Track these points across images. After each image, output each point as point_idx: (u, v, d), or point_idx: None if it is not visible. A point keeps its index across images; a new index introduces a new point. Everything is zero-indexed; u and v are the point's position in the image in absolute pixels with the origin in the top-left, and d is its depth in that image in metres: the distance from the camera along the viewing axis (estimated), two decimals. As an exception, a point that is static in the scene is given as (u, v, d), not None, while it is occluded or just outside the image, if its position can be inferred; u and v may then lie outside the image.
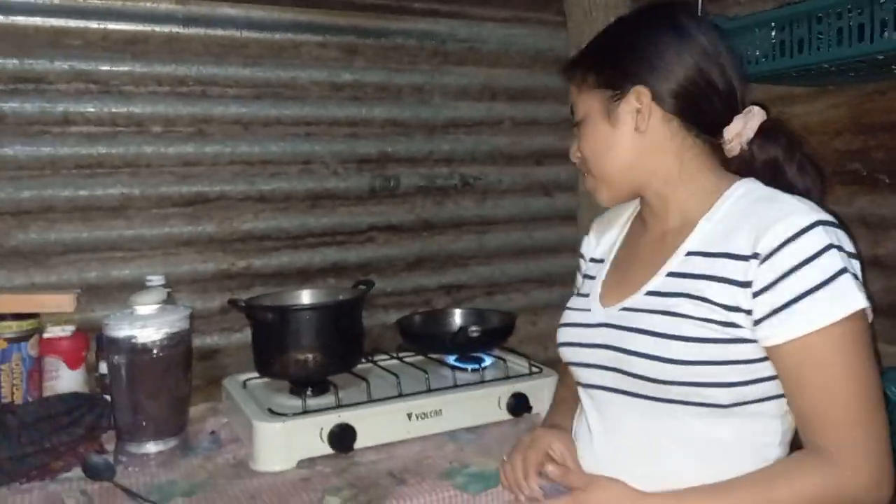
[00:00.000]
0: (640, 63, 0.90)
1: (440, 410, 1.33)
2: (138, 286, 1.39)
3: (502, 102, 1.85)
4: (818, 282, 0.77)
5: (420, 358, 1.54)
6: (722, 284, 0.82)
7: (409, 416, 1.30)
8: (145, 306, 1.23)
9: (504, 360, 1.50)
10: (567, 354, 1.01)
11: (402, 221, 1.76)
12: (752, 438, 0.84)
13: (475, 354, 1.53)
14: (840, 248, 0.79)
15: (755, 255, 0.80)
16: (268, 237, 1.63)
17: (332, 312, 1.36)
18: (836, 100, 1.44)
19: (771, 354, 0.81)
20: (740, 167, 0.93)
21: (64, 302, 1.35)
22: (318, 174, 1.67)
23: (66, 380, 1.38)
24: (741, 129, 0.90)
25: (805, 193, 0.87)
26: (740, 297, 0.81)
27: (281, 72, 1.61)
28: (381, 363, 1.50)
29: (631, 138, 0.91)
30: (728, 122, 0.90)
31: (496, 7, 1.82)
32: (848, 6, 1.04)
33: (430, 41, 1.76)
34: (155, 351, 1.20)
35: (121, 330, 1.19)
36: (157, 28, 1.50)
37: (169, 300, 1.43)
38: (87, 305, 1.47)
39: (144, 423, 1.22)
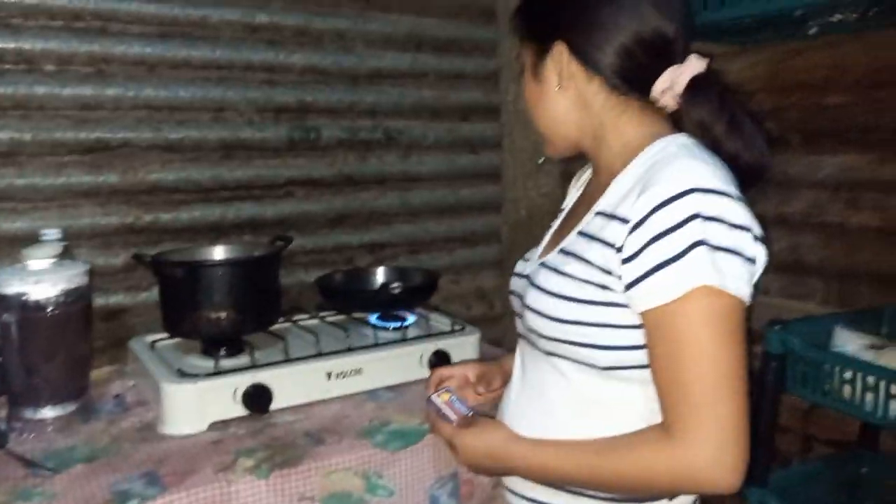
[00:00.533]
0: (564, 18, 0.86)
1: (360, 369, 1.30)
2: (32, 240, 1.27)
3: (428, 53, 1.80)
4: (671, 255, 0.73)
5: (341, 317, 1.50)
6: (602, 246, 0.80)
7: (329, 375, 1.26)
8: (39, 261, 1.13)
9: (426, 319, 1.47)
10: (510, 301, 1.02)
11: (323, 175, 1.70)
12: (634, 403, 0.83)
13: (397, 313, 1.50)
14: (711, 219, 0.73)
15: (627, 220, 0.77)
16: (177, 189, 1.53)
17: (246, 269, 1.29)
18: (753, 59, 1.46)
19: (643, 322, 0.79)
20: (679, 124, 0.88)
21: (-57, 256, 1.22)
22: (231, 123, 1.57)
23: (-51, 341, 1.26)
24: (670, 84, 0.84)
25: (734, 157, 0.81)
26: (613, 261, 0.78)
27: (191, 9, 1.49)
28: (300, 322, 1.44)
29: (555, 95, 0.89)
30: (660, 76, 0.84)
31: (424, -48, 1.75)
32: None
33: (354, -15, 1.67)
34: (49, 308, 1.11)
35: (11, 286, 1.09)
36: (49, -47, 1.35)
37: (66, 255, 1.33)
38: (-25, 260, 1.34)
39: (40, 387, 1.13)
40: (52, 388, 1.14)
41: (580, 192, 1.03)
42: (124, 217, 1.49)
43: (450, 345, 1.38)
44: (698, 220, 0.72)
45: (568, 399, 0.87)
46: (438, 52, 1.81)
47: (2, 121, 1.35)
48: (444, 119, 1.84)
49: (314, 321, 1.47)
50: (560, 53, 0.87)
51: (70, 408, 1.16)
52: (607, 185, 0.86)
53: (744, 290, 0.75)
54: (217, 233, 1.58)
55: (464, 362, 1.13)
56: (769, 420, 1.25)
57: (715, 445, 0.73)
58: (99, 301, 1.48)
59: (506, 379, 1.07)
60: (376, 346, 1.35)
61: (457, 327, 1.44)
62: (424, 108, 1.81)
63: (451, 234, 1.91)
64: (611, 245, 0.79)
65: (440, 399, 1.00)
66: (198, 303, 1.24)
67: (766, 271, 0.79)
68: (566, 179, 1.11)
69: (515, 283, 1.00)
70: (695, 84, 0.83)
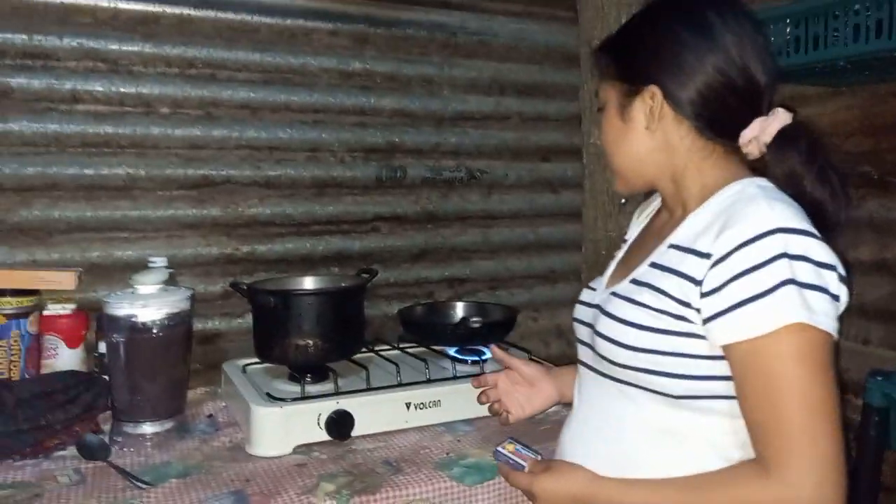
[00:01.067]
0: (656, 62, 0.88)
1: (439, 401, 1.32)
2: (141, 267, 1.39)
3: (511, 97, 1.85)
4: (758, 291, 0.74)
5: (420, 349, 1.54)
6: (680, 279, 0.82)
7: (408, 405, 1.29)
8: (146, 286, 1.22)
9: (505, 354, 1.48)
10: (574, 329, 1.04)
11: (408, 212, 1.76)
12: (707, 434, 0.83)
13: (475, 347, 1.52)
14: (798, 258, 0.75)
15: (709, 256, 0.79)
16: (272, 223, 1.63)
17: (334, 299, 1.35)
18: (848, 101, 1.42)
19: (725, 355, 0.80)
20: (763, 171, 0.90)
21: (65, 279, 1.34)
22: (324, 162, 1.66)
23: (64, 358, 1.38)
24: (758, 134, 0.86)
25: (819, 204, 0.83)
26: (692, 294, 0.80)
27: (291, 58, 1.61)
28: (382, 353, 1.49)
29: (641, 135, 0.91)
30: (747, 124, 0.87)
31: (508, 1, 1.81)
32: (866, 3, 1.03)
33: (441, 33, 1.75)
34: (155, 331, 1.19)
35: (121, 308, 1.18)
36: (169, 9, 1.49)
37: (171, 282, 1.43)
38: (88, 285, 1.46)
39: (141, 404, 1.21)
40: (152, 405, 1.22)
41: (644, 224, 1.06)
42: (224, 248, 1.59)
43: (527, 382, 1.39)
44: (785, 260, 0.74)
45: (639, 428, 0.88)
46: (521, 96, 1.86)
47: (120, 158, 1.48)
48: (525, 159, 1.88)
49: (395, 352, 1.51)
50: (653, 96, 0.89)
51: (168, 425, 1.23)
52: (681, 220, 0.90)
53: (832, 326, 0.76)
54: (307, 264, 1.66)
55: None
56: (872, 478, 1.18)
57: (816, 482, 0.73)
58: (197, 326, 1.57)
59: (552, 390, 1.16)
60: (455, 378, 1.37)
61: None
62: (506, 148, 1.86)
63: (530, 271, 1.93)
64: (689, 278, 0.81)
65: (506, 450, 1.00)
66: (287, 330, 1.30)
67: (860, 317, 0.79)
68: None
69: (581, 312, 1.01)
70: (783, 134, 0.85)
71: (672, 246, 0.87)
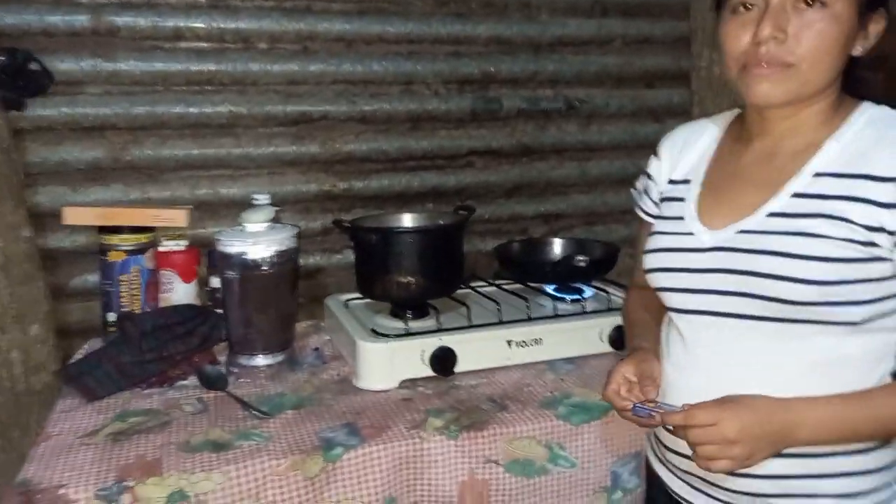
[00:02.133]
0: None
1: (540, 339, 1.31)
2: (245, 204, 1.42)
3: (614, 18, 1.73)
4: None
5: (518, 286, 1.52)
6: (864, 205, 0.81)
7: (510, 343, 1.29)
8: (255, 224, 1.25)
9: (606, 292, 1.45)
10: (663, 280, 0.95)
11: (502, 146, 1.71)
12: (875, 353, 0.85)
13: (575, 285, 1.50)
14: None
15: (889, 178, 0.79)
16: (368, 159, 1.62)
17: (434, 236, 1.34)
18: None
19: None
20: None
21: (178, 217, 1.39)
22: (419, 95, 1.63)
23: (179, 292, 1.44)
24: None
25: None
26: (886, 217, 0.80)
27: (385, -15, 1.56)
28: (480, 290, 1.48)
29: (849, 52, 0.85)
30: None
31: (613, -87, 1.68)
32: None
33: (540, -47, 1.65)
34: (265, 267, 1.23)
35: (233, 246, 1.22)
36: (264, -59, 1.46)
37: (276, 219, 1.46)
38: (198, 221, 1.51)
39: (254, 337, 1.26)
40: (264, 338, 1.27)
41: (709, 157, 0.99)
42: (322, 184, 1.60)
43: (630, 321, 1.36)
44: None
45: (803, 367, 0.84)
46: (626, 17, 1.74)
47: (222, 95, 1.50)
48: (627, 87, 1.78)
49: (493, 289, 1.50)
50: (881, 21, 0.86)
51: (279, 357, 1.28)
52: (806, 146, 0.87)
53: None
54: (403, 201, 1.66)
55: (617, 365, 0.96)
56: None
57: None
58: (299, 261, 1.61)
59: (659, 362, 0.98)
60: (556, 317, 1.36)
61: (638, 303, 1.40)
62: (608, 75, 1.76)
63: (629, 206, 1.83)
64: (875, 203, 0.80)
65: (649, 406, 0.89)
66: (389, 267, 1.31)
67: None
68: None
69: (686, 258, 0.92)
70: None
71: (821, 174, 0.84)
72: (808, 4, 0.82)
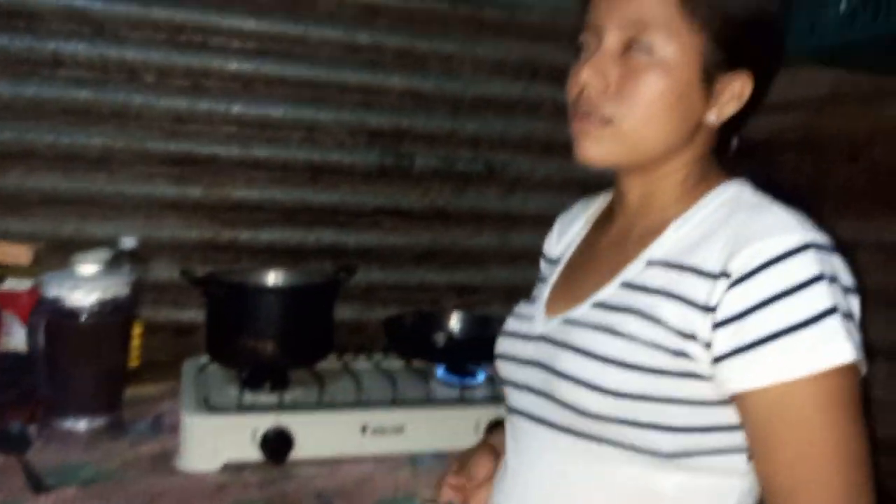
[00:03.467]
0: (758, 42, 0.72)
1: (402, 427, 1.14)
2: (114, 245, 1.29)
3: (544, 83, 1.62)
4: (799, 320, 0.60)
5: (401, 364, 1.35)
6: (678, 304, 0.66)
7: (364, 429, 1.12)
8: (85, 266, 1.11)
9: (494, 380, 1.28)
10: (500, 369, 0.84)
11: (413, 207, 1.58)
12: (700, 498, 0.68)
13: (469, 368, 1.33)
14: (833, 280, 0.62)
15: (724, 275, 0.63)
16: (260, 208, 1.49)
17: (292, 297, 1.20)
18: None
19: (735, 402, 0.65)
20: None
21: (21, 254, 1.26)
22: (321, 144, 1.51)
23: (18, 337, 1.29)
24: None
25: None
26: (698, 323, 0.64)
27: (291, 25, 1.46)
28: (354, 364, 1.32)
29: (696, 114, 0.71)
30: None
31: (546, -28, 1.59)
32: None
33: (466, 5, 1.56)
34: (84, 317, 1.08)
35: (50, 290, 1.08)
36: (159, -31, 1.38)
37: (136, 264, 1.33)
38: (61, 261, 1.36)
39: (67, 396, 1.10)
40: (80, 399, 1.11)
41: (581, 237, 0.87)
42: (205, 232, 1.47)
43: (515, 413, 1.18)
44: (824, 282, 0.61)
45: (610, 496, 0.69)
46: (556, 82, 1.62)
47: (99, 128, 1.39)
48: (556, 155, 1.65)
49: (368, 364, 1.34)
50: (745, 85, 0.71)
51: (98, 422, 1.12)
52: (655, 229, 0.73)
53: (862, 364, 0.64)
54: (296, 257, 1.52)
55: (448, 464, 0.90)
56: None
57: None
58: (172, 315, 1.47)
59: (494, 464, 0.86)
60: (427, 402, 1.19)
61: (525, 394, 1.23)
62: (535, 141, 1.64)
63: (555, 283, 1.70)
64: (691, 303, 0.65)
65: None
66: (237, 328, 1.16)
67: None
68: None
69: (516, 346, 0.80)
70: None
71: (653, 262, 0.71)
72: (638, 47, 0.69)
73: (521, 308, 0.86)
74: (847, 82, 1.18)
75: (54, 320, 1.07)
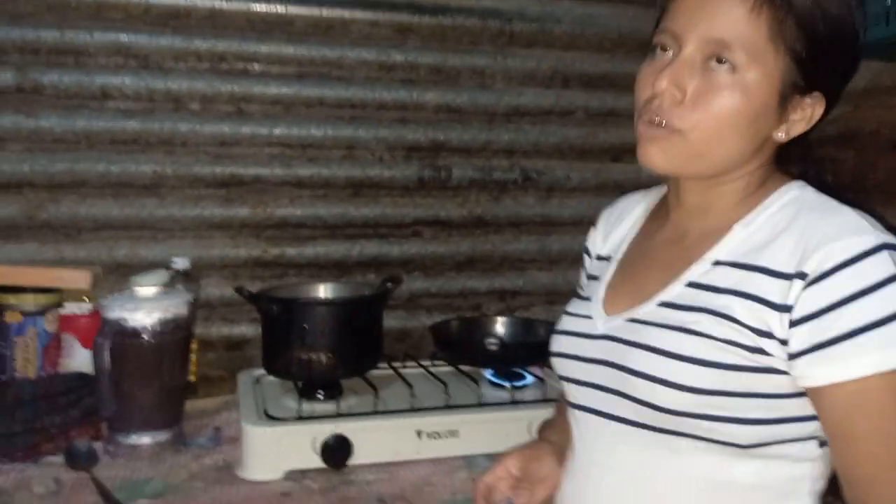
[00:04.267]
0: (838, 65, 0.72)
1: (456, 431, 1.16)
2: (167, 266, 1.33)
3: (575, 90, 1.65)
4: (876, 318, 0.62)
5: (449, 369, 1.37)
6: (751, 302, 0.67)
7: (419, 433, 1.14)
8: (144, 288, 1.15)
9: (543, 381, 1.30)
10: (560, 367, 0.83)
11: (452, 216, 1.61)
12: (774, 484, 0.70)
13: (517, 370, 1.35)
14: None
15: (800, 275, 0.65)
16: (304, 225, 1.53)
17: (343, 309, 1.23)
18: None
19: (811, 395, 0.66)
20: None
21: (81, 278, 1.30)
22: (361, 160, 1.55)
23: (79, 359, 1.34)
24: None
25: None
26: (774, 321, 0.65)
27: (327, 50, 1.50)
28: (403, 371, 1.34)
29: (765, 137, 0.72)
30: None
31: (573, -17, 1.62)
32: None
33: (495, 20, 1.59)
34: (145, 336, 1.12)
35: (113, 312, 1.12)
36: (200, 2, 1.44)
37: (189, 284, 1.37)
38: (114, 284, 1.41)
39: (132, 413, 1.14)
40: (143, 415, 1.15)
41: (632, 235, 0.87)
42: (252, 250, 1.51)
43: (566, 414, 1.20)
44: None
45: (687, 488, 0.71)
46: (587, 88, 1.66)
47: (148, 155, 1.44)
48: (590, 159, 1.67)
49: (418, 371, 1.36)
50: (817, 108, 0.72)
51: (161, 437, 1.16)
52: (719, 230, 0.73)
53: None
54: (341, 270, 1.55)
55: (503, 456, 0.87)
56: None
57: None
58: (223, 331, 1.51)
59: (557, 462, 0.85)
60: (479, 405, 1.21)
61: (574, 394, 1.24)
62: (569, 147, 1.66)
63: (595, 287, 1.71)
64: (766, 302, 0.66)
65: None
66: (291, 342, 1.19)
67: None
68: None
69: (579, 345, 0.80)
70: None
71: (720, 262, 0.72)
72: (718, 62, 0.68)
73: (576, 307, 0.86)
74: (886, 74, 1.18)
75: (118, 341, 1.11)
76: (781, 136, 0.72)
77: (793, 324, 0.64)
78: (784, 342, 0.65)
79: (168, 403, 1.18)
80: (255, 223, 1.51)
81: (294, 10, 1.48)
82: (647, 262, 0.80)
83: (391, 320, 1.55)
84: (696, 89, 0.68)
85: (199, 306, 1.43)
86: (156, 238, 1.46)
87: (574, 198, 1.68)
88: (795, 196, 0.72)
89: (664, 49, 0.72)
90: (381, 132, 1.55)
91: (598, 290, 0.84)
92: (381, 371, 1.31)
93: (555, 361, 0.85)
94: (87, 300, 1.36)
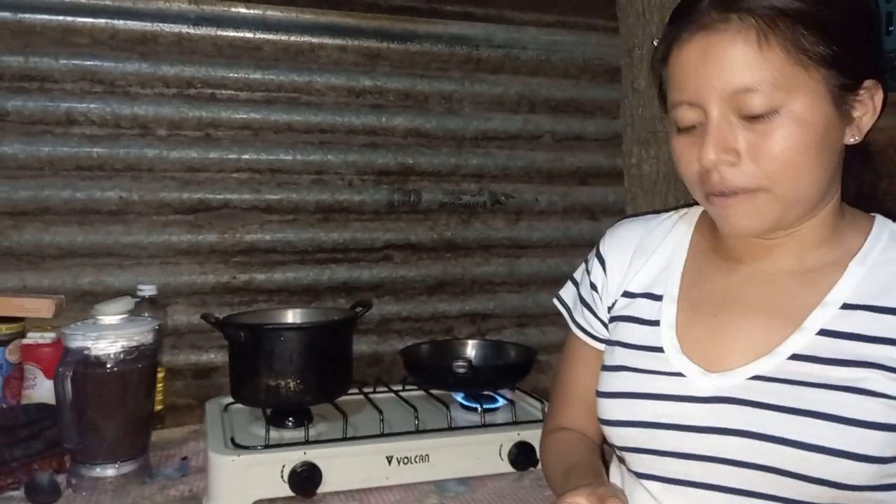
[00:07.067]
0: (868, 42, 0.68)
1: (427, 456, 1.15)
2: (133, 294, 1.31)
3: (542, 115, 1.67)
4: None
5: (420, 393, 1.37)
6: None
7: (390, 459, 1.13)
8: (107, 316, 1.14)
9: (514, 404, 1.30)
10: (643, 439, 0.72)
11: (422, 240, 1.61)
12: None
13: (487, 393, 1.35)
14: None
15: None
16: (273, 250, 1.52)
17: (311, 335, 1.22)
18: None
19: None
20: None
21: (43, 307, 1.28)
22: (331, 185, 1.55)
23: (42, 389, 1.30)
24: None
25: None
26: None
27: (295, 75, 1.51)
28: (374, 396, 1.33)
29: (840, 148, 0.68)
30: None
31: (539, 11, 1.65)
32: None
33: (462, 46, 1.61)
34: (109, 365, 1.10)
35: (75, 340, 1.10)
36: (167, 27, 1.43)
37: (156, 310, 1.35)
38: (79, 313, 1.39)
39: (93, 444, 1.11)
40: (107, 446, 1.12)
41: (681, 264, 0.79)
42: (220, 276, 1.50)
43: (537, 436, 1.19)
44: None
45: None
46: (554, 113, 1.68)
47: (114, 181, 1.42)
48: (559, 183, 1.69)
49: (388, 395, 1.36)
50: (875, 93, 0.68)
51: (126, 468, 1.13)
52: (823, 267, 0.71)
53: None
54: (311, 295, 1.54)
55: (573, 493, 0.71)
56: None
57: None
58: (191, 358, 1.49)
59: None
60: (450, 430, 1.21)
61: (546, 417, 1.24)
62: (537, 171, 1.68)
63: (565, 308, 1.72)
64: None
65: None
66: (258, 368, 1.18)
67: None
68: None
69: (671, 410, 0.69)
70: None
71: (849, 306, 0.67)
72: (754, 118, 0.64)
73: (636, 358, 0.75)
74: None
75: (81, 370, 1.09)
76: (855, 138, 0.68)
77: None
78: None
79: (133, 434, 1.15)
80: (224, 249, 1.49)
81: (262, 35, 1.49)
82: (732, 306, 0.73)
83: (362, 345, 1.55)
84: (747, 144, 0.64)
85: (166, 334, 1.42)
86: (122, 265, 1.44)
87: (542, 221, 1.70)
88: (894, 229, 0.71)
89: (687, 123, 0.68)
90: (351, 157, 1.55)
91: (667, 338, 0.74)
92: (351, 397, 1.31)
93: (625, 432, 0.73)
94: (50, 329, 1.34)
